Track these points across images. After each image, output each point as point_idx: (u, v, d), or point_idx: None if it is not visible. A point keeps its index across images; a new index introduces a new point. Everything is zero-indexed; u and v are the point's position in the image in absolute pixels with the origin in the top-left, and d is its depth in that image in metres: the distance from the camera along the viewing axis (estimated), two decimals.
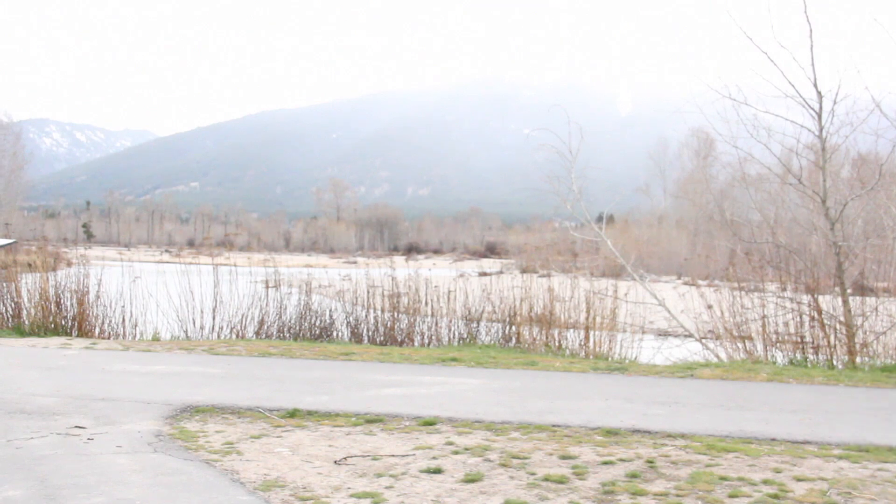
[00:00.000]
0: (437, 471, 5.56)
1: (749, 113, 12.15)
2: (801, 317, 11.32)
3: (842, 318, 11.06)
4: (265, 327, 13.70)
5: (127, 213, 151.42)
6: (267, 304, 13.86)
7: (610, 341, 12.37)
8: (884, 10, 11.56)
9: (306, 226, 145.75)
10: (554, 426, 6.90)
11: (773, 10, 11.57)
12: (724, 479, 5.39)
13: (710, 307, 12.01)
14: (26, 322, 13.86)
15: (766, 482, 5.33)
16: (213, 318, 13.73)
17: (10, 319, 14.07)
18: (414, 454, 6.01)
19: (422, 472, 5.55)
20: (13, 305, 14.15)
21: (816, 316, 11.15)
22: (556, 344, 12.55)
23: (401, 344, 13.19)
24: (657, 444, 6.33)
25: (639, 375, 9.80)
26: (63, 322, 13.81)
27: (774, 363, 10.94)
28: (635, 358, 12.03)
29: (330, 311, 14.12)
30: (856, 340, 10.88)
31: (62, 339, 12.55)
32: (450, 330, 13.36)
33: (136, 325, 13.97)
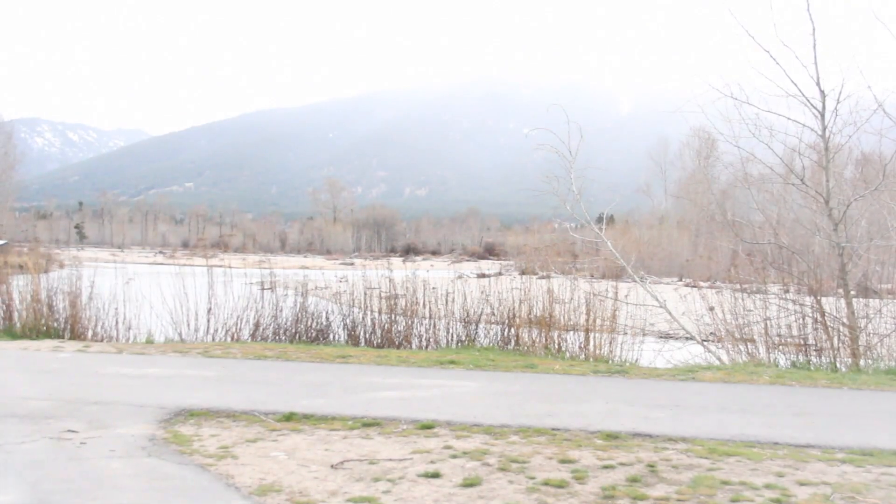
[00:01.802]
0: (435, 475, 5.50)
1: (751, 112, 12.10)
2: (803, 319, 11.26)
3: (845, 321, 11.01)
4: (260, 329, 13.59)
5: (120, 214, 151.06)
6: (262, 307, 13.76)
7: (610, 344, 12.28)
8: (886, 8, 11.50)
9: (302, 227, 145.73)
10: (553, 430, 6.83)
11: (776, 9, 11.48)
12: (725, 483, 5.35)
13: (711, 309, 11.95)
14: (18, 324, 13.73)
15: (768, 486, 5.30)
16: (208, 321, 13.62)
17: (2, 322, 13.94)
18: (411, 458, 5.94)
19: (419, 476, 5.49)
20: (4, 308, 14.01)
21: (819, 318, 11.09)
22: (556, 346, 12.46)
23: (398, 346, 13.09)
24: (658, 448, 6.27)
25: (639, 378, 9.73)
26: (55, 324, 13.69)
27: (777, 366, 10.87)
28: (636, 360, 11.94)
29: (326, 313, 14.01)
30: (859, 343, 10.83)
31: (54, 342, 12.43)
32: (448, 332, 13.27)
33: (129, 328, 13.84)
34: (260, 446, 6.30)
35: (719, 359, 11.52)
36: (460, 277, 16.82)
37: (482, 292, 13.48)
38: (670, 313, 12.78)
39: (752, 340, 11.39)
